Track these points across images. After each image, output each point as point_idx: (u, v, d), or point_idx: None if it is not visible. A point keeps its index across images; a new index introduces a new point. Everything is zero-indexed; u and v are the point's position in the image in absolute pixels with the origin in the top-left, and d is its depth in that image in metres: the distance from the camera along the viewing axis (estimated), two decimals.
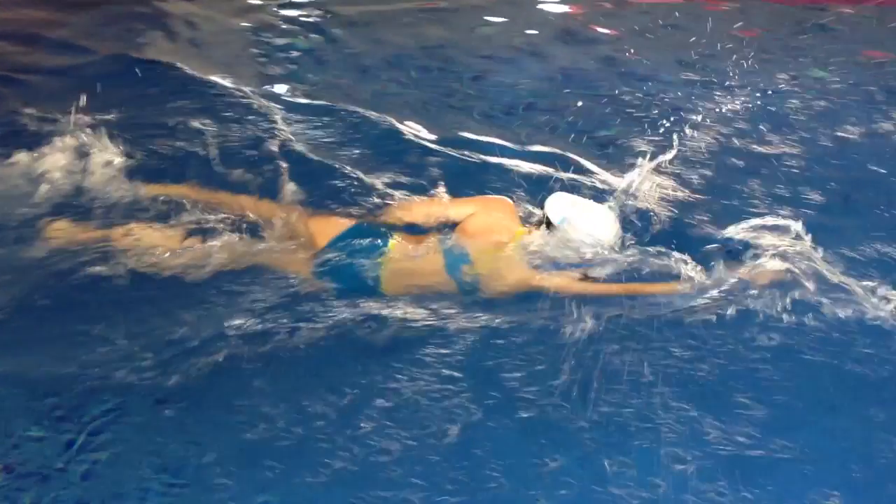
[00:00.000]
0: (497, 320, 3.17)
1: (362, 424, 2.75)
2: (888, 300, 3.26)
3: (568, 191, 3.83)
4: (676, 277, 3.31)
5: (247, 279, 3.30)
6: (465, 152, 4.57)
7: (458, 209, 3.52)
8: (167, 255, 3.35)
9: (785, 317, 3.18)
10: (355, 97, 5.39)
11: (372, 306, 3.21)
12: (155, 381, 2.87)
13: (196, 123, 4.58)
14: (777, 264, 3.36)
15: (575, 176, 4.28)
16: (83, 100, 4.51)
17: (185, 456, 2.66)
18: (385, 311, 3.19)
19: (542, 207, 3.50)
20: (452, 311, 3.21)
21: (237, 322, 3.09)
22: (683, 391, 2.89)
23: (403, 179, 4.14)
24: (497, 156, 4.55)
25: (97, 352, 2.99)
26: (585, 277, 3.32)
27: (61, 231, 3.45)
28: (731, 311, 3.20)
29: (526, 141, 4.84)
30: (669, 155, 4.09)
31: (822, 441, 2.76)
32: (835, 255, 3.55)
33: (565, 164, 4.42)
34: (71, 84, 5.42)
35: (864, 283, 3.35)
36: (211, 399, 2.86)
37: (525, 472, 2.61)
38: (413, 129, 4.88)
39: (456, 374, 2.94)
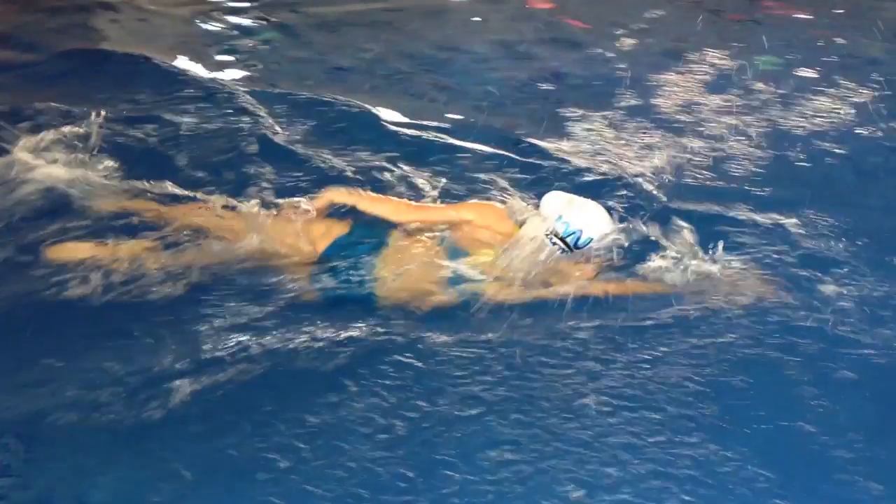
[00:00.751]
0: (471, 327, 3.14)
1: (314, 430, 2.68)
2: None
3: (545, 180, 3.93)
4: (662, 277, 3.35)
5: (224, 292, 3.21)
6: (431, 137, 4.62)
7: (454, 214, 3.53)
8: (143, 266, 3.24)
9: (761, 319, 3.19)
10: (321, 88, 5.36)
11: (348, 317, 3.15)
12: (116, 404, 2.73)
13: (166, 116, 4.50)
14: (757, 271, 3.43)
15: (538, 162, 4.37)
16: (38, 99, 4.40)
17: (145, 477, 2.53)
18: (359, 324, 3.12)
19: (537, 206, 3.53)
20: (424, 318, 3.20)
21: (210, 338, 3.00)
22: (647, 393, 2.87)
23: (388, 174, 4.12)
24: (466, 141, 4.59)
25: (60, 373, 2.85)
26: (591, 278, 3.35)
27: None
28: (709, 313, 3.21)
29: (496, 126, 4.93)
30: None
31: (778, 444, 2.72)
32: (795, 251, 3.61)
33: (532, 150, 4.53)
34: (21, 82, 5.29)
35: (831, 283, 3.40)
36: (179, 418, 2.72)
37: (483, 474, 2.56)
38: (386, 119, 4.90)
39: (417, 380, 2.89)
